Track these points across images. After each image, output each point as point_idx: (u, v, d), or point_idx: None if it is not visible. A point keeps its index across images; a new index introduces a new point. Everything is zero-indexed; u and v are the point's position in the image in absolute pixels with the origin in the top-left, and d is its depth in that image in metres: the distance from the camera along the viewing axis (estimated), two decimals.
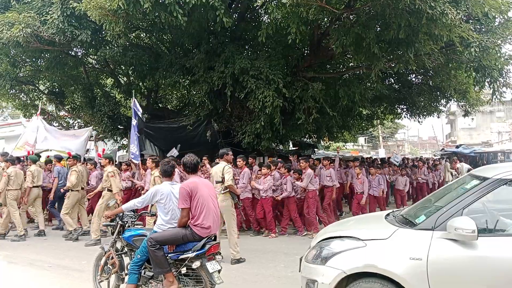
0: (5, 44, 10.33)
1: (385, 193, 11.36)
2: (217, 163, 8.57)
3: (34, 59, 13.35)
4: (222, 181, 7.02)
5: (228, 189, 7.01)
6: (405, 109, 18.28)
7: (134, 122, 10.64)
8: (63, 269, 6.83)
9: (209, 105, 11.80)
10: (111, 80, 16.54)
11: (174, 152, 11.88)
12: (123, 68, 14.53)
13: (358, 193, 10.27)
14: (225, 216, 7.09)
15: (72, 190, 9.15)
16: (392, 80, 15.73)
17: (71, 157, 10.03)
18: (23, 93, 15.75)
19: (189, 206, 4.44)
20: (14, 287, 5.97)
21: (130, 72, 14.64)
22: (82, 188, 9.58)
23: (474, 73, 10.22)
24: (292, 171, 9.83)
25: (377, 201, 10.95)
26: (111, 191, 8.64)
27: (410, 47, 8.52)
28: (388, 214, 4.45)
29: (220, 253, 4.60)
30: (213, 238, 4.56)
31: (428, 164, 16.07)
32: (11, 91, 15.01)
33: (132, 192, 10.37)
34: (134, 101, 10.99)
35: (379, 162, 15.68)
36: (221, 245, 6.94)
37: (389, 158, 19.53)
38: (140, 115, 11.22)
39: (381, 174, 11.31)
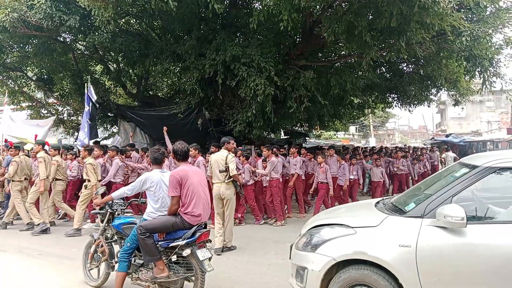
0: None
1: (359, 183, 11.26)
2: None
3: (21, 45, 13.08)
4: (226, 170, 6.90)
5: (231, 178, 6.92)
6: (396, 98, 18.39)
7: (86, 108, 10.51)
8: (53, 257, 6.79)
9: (200, 93, 11.70)
10: (101, 67, 16.34)
11: (117, 140, 11.50)
12: (113, 54, 14.32)
13: (320, 182, 9.89)
14: (228, 203, 7.00)
15: (13, 181, 8.88)
16: (384, 69, 15.77)
17: (12, 146, 9.68)
18: (10, 80, 15.47)
19: (179, 194, 4.41)
20: (3, 275, 5.93)
21: (119, 59, 14.45)
22: (26, 179, 9.20)
23: (465, 62, 10.27)
24: (262, 159, 9.87)
25: (341, 190, 10.66)
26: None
27: (402, 36, 8.51)
28: (378, 202, 4.47)
29: (210, 241, 4.61)
30: (203, 226, 4.55)
31: (416, 153, 16.08)
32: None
33: (80, 182, 9.85)
34: (90, 87, 10.85)
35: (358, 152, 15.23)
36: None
37: (373, 147, 19.65)
38: (94, 102, 11.08)
39: (350, 163, 11.10)
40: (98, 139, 11.25)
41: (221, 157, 7.02)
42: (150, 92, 16.81)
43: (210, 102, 12.21)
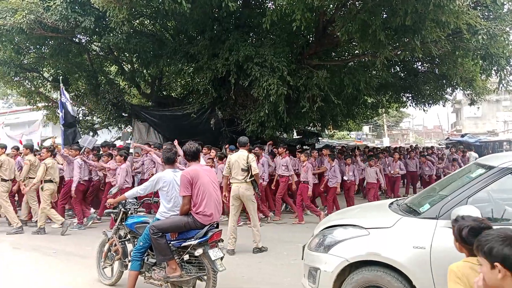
0: (9, 31, 10.27)
1: (352, 185, 10.45)
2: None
3: (38, 46, 13.28)
4: (248, 169, 6.88)
5: (252, 178, 6.90)
6: (410, 98, 18.20)
7: (60, 114, 10.53)
8: (68, 255, 6.88)
9: (213, 93, 11.74)
10: (115, 68, 16.50)
11: (88, 140, 11.26)
12: (127, 55, 14.47)
13: (301, 182, 9.49)
14: (247, 204, 7.00)
15: None
16: (398, 68, 15.63)
17: None
18: (27, 80, 15.70)
19: (191, 194, 4.43)
20: (19, 272, 6.02)
21: (134, 60, 14.58)
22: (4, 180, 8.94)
23: (481, 61, 10.11)
24: None
25: (330, 192, 10.08)
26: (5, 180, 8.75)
27: (416, 34, 8.41)
28: (392, 203, 4.43)
29: (222, 240, 4.61)
30: (215, 225, 4.56)
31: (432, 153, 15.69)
32: (16, 78, 15.00)
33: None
34: (62, 90, 10.92)
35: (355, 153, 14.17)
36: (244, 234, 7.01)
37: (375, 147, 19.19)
38: (70, 108, 11.08)
39: (345, 164, 10.63)
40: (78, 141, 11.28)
41: (242, 156, 6.98)
42: (164, 92, 16.92)
43: (223, 102, 12.25)
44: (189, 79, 15.68)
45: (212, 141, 11.06)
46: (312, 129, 19.15)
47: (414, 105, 18.47)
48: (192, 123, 12.62)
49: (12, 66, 13.60)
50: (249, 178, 6.89)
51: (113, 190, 5.49)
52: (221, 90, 11.91)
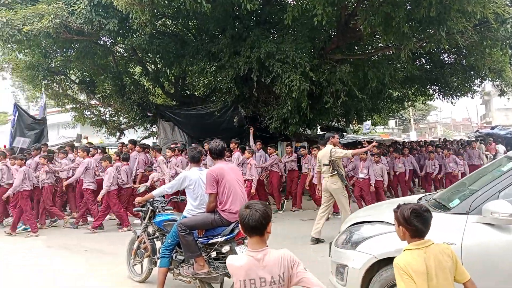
0: (36, 36, 10.55)
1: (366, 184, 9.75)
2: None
3: (64, 50, 13.63)
4: (329, 164, 7.06)
5: (336, 172, 7.05)
6: (437, 90, 17.83)
7: (12, 117, 11.49)
8: (98, 253, 7.05)
9: (236, 90, 11.78)
10: (139, 68, 16.77)
11: (22, 141, 11.24)
12: (151, 56, 14.65)
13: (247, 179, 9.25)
14: (336, 198, 7.17)
15: None
16: (424, 60, 15.36)
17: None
18: (55, 83, 16.17)
19: (216, 192, 4.46)
20: (52, 269, 6.21)
21: (157, 60, 14.78)
22: None
23: (510, 51, 9.81)
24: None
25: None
26: None
27: (441, 25, 8.24)
28: (420, 198, 4.36)
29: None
30: None
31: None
32: (44, 81, 15.45)
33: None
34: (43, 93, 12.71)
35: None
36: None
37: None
38: (41, 109, 12.11)
39: (360, 159, 9.89)
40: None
41: (326, 151, 7.22)
42: (187, 92, 17.11)
43: (246, 100, 12.28)
44: (212, 77, 15.79)
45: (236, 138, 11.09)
46: (336, 124, 18.97)
47: (441, 98, 18.08)
48: (215, 121, 12.72)
49: (40, 69, 14.03)
50: (331, 173, 7.06)
51: (141, 189, 5.59)
52: (243, 88, 11.94)
